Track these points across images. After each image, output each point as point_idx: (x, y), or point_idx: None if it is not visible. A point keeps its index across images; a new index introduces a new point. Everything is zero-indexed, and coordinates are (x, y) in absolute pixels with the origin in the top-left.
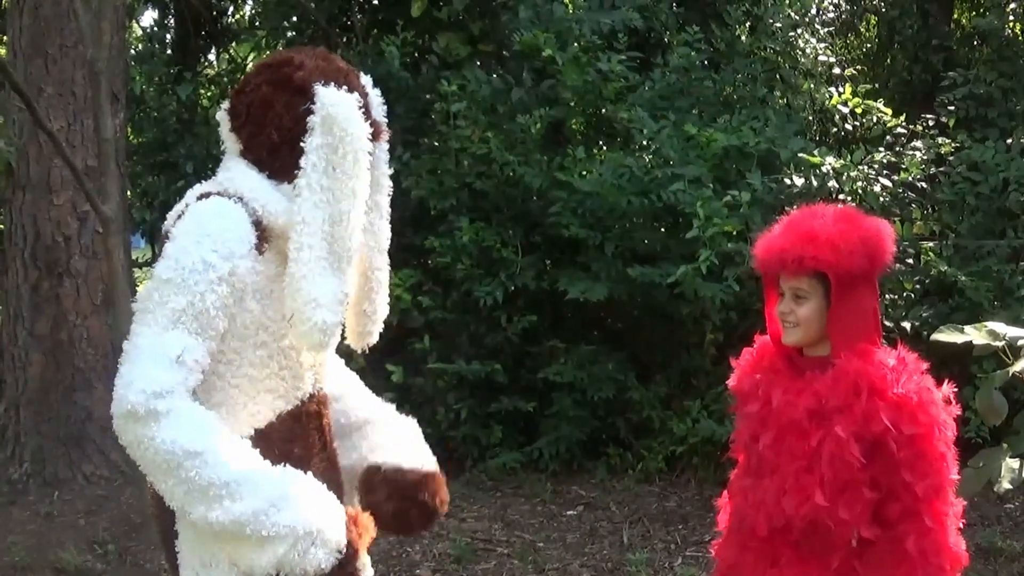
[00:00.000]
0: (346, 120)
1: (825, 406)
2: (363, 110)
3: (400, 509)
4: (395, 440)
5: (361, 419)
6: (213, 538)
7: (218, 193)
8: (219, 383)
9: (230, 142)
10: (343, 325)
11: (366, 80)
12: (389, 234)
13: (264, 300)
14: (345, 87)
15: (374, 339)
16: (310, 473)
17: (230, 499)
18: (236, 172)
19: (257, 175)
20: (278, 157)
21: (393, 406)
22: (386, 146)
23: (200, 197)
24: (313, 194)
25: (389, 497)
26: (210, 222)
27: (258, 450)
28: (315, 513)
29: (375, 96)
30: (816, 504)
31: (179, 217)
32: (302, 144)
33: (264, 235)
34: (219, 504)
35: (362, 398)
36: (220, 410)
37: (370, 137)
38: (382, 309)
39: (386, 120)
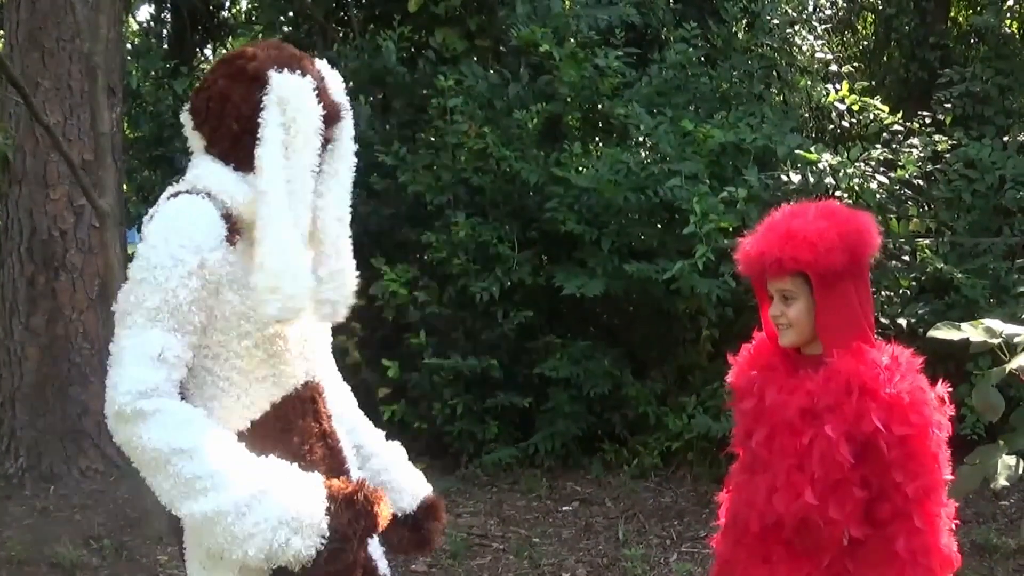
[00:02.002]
0: (298, 102)
1: (817, 405)
2: (318, 92)
3: (400, 536)
4: (404, 478)
5: (367, 455)
6: (203, 533)
7: (187, 191)
8: (209, 378)
9: (195, 140)
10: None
11: (322, 64)
12: (348, 204)
13: (242, 290)
14: (299, 71)
15: (342, 312)
16: (300, 464)
17: (215, 491)
18: (202, 168)
19: (223, 168)
20: (241, 147)
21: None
22: (349, 123)
23: (170, 197)
24: (271, 172)
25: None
26: (177, 219)
27: (256, 440)
28: (293, 501)
29: (333, 78)
30: (806, 502)
31: (151, 218)
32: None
33: (234, 226)
34: (204, 496)
35: (367, 431)
36: (214, 404)
37: (324, 118)
38: (344, 278)
39: (348, 101)
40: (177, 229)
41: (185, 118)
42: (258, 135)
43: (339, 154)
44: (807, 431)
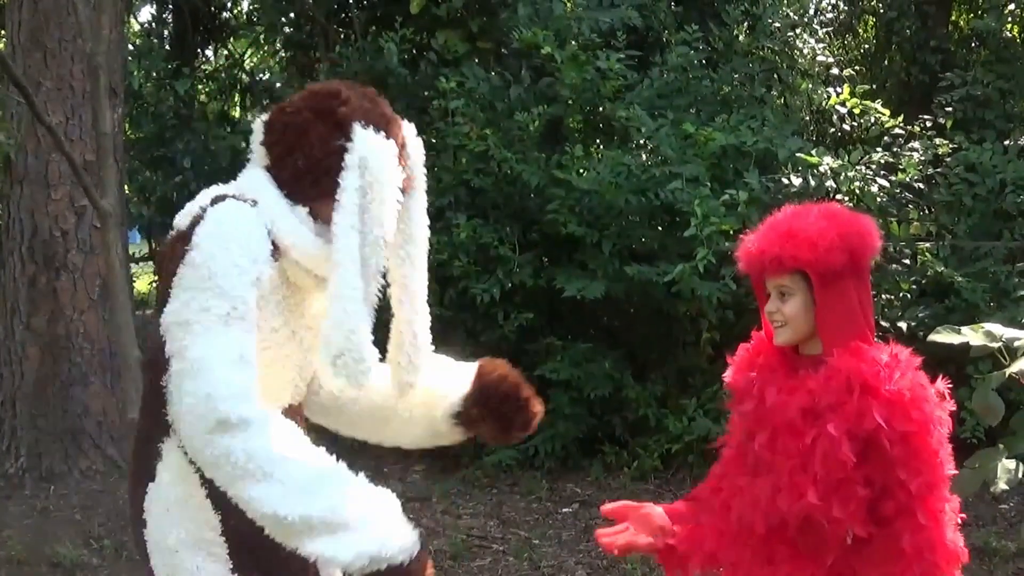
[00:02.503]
0: (379, 166)
1: (818, 404)
2: (399, 159)
3: (501, 424)
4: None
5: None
6: (305, 534)
7: (233, 196)
8: None
9: (259, 154)
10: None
11: (408, 129)
12: (426, 286)
13: (268, 307)
14: (383, 132)
15: (415, 389)
16: None
17: (326, 491)
18: (256, 181)
19: (276, 190)
20: (299, 184)
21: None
22: (422, 198)
23: (215, 200)
24: (348, 235)
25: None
26: (232, 225)
27: None
28: (391, 504)
29: (415, 145)
30: (809, 502)
31: (196, 221)
32: (326, 178)
33: (275, 243)
34: (317, 497)
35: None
36: None
37: (401, 188)
38: (422, 359)
39: (424, 171)
40: (235, 236)
41: (257, 127)
42: (337, 196)
43: (414, 222)
44: (809, 431)
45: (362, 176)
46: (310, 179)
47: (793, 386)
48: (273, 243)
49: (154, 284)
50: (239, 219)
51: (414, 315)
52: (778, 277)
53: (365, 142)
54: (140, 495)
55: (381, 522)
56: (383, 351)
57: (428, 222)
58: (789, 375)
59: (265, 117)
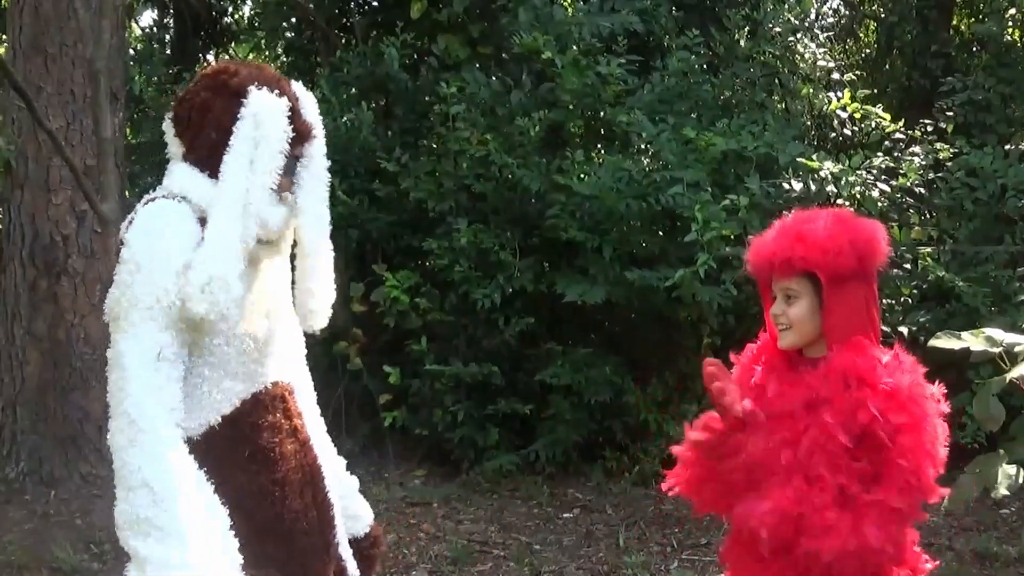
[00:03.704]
0: (271, 119)
1: (816, 397)
2: (291, 114)
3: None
4: (360, 506)
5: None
6: (132, 559)
7: (163, 196)
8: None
9: (174, 147)
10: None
11: (298, 86)
12: (326, 225)
13: None
14: (276, 91)
15: (320, 321)
16: (270, 456)
17: (157, 539)
18: (179, 175)
19: (198, 175)
20: (217, 156)
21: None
22: (321, 145)
23: (147, 203)
24: (233, 180)
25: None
26: (157, 221)
27: (226, 433)
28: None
29: (308, 100)
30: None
31: (130, 224)
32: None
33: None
34: (147, 539)
35: (333, 457)
36: (187, 399)
37: (292, 139)
38: (325, 290)
39: (319, 122)
40: (158, 231)
41: (167, 125)
42: (229, 144)
43: (313, 171)
44: (806, 423)
45: (256, 128)
46: (225, 148)
47: (792, 380)
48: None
49: None
50: (163, 214)
51: (321, 246)
52: (785, 280)
53: (258, 99)
54: None
55: None
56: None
57: (327, 171)
58: (790, 372)
59: (170, 113)
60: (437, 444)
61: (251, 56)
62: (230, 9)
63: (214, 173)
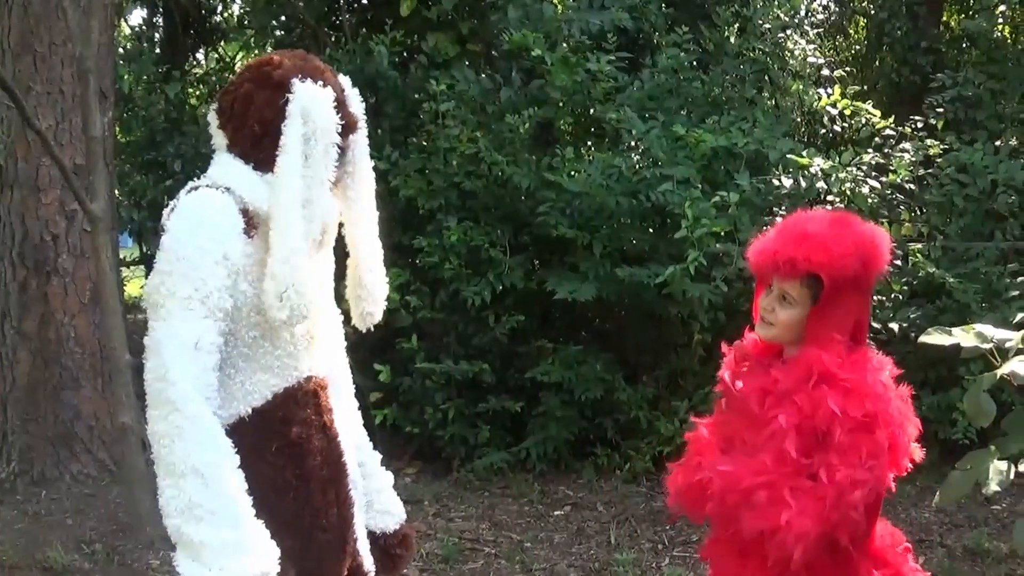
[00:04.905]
0: (319, 112)
1: (778, 389)
2: (337, 105)
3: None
4: (392, 503)
5: (366, 474)
6: (176, 542)
7: (207, 186)
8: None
9: (218, 138)
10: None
11: (344, 79)
12: (376, 220)
13: (255, 282)
14: (321, 82)
15: (376, 318)
16: (298, 452)
17: (203, 522)
18: (223, 165)
19: (243, 166)
20: (261, 148)
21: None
22: (364, 137)
23: (190, 191)
24: (290, 179)
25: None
26: (200, 211)
27: (256, 426)
28: (257, 564)
29: (352, 92)
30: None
31: (172, 211)
32: (282, 134)
33: (251, 221)
34: (191, 521)
35: (368, 452)
36: (219, 390)
37: (341, 130)
38: (379, 289)
39: (364, 115)
40: (201, 220)
41: (211, 116)
42: (280, 142)
43: (362, 162)
44: (766, 416)
45: (304, 123)
46: (269, 141)
47: (760, 372)
48: (251, 219)
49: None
50: (206, 203)
51: (367, 251)
52: (787, 282)
53: (304, 92)
54: None
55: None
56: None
57: (372, 163)
58: (762, 365)
59: (215, 105)
60: (428, 442)
61: (240, 54)
62: (219, 7)
63: (258, 165)
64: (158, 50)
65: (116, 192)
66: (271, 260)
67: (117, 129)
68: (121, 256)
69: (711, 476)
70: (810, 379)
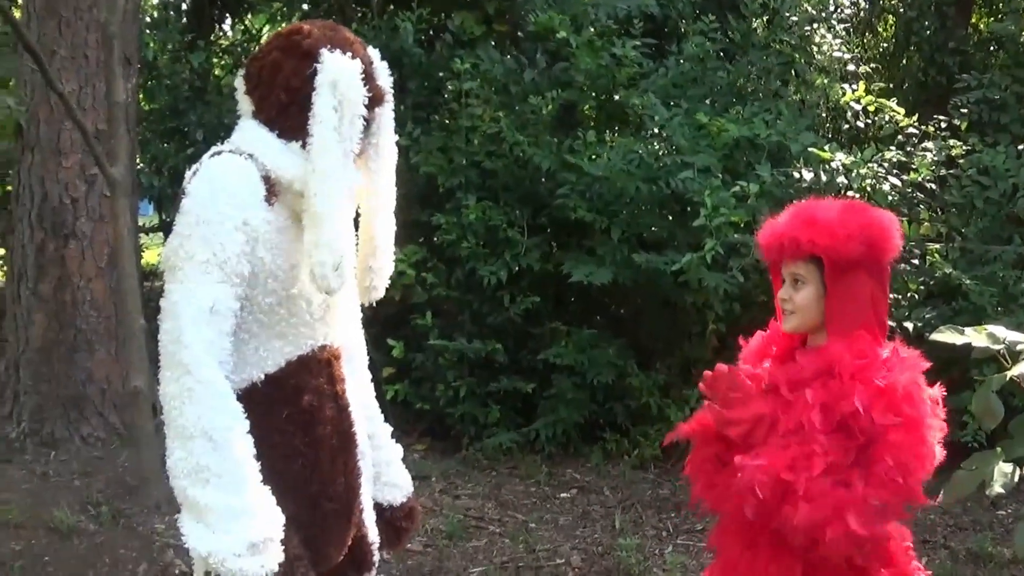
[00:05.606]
0: (348, 83)
1: (800, 378)
2: (365, 77)
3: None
4: (400, 476)
5: (376, 446)
6: (181, 503)
7: (230, 151)
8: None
9: (244, 104)
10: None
11: (372, 51)
12: (393, 195)
13: (274, 250)
14: (349, 54)
15: (379, 294)
16: (309, 420)
17: (211, 484)
18: (247, 132)
19: (267, 134)
20: (287, 116)
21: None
22: (390, 110)
23: (212, 155)
24: (325, 148)
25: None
26: (222, 176)
27: (268, 392)
28: (259, 529)
29: (380, 64)
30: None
31: (194, 175)
32: (309, 104)
33: (272, 188)
34: (199, 483)
35: (379, 423)
36: (233, 354)
37: (367, 102)
38: (387, 266)
39: (391, 88)
40: (223, 185)
41: (238, 82)
42: (308, 113)
43: (383, 137)
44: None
45: (333, 94)
46: (295, 109)
47: (784, 363)
48: (273, 186)
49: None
50: (228, 169)
51: (381, 225)
52: (794, 263)
53: (333, 63)
54: None
55: (234, 540)
56: None
57: (395, 137)
58: (787, 355)
59: (242, 71)
60: (438, 419)
61: (266, 27)
62: None
63: (283, 133)
64: (184, 19)
65: (137, 159)
66: (319, 230)
67: (140, 96)
68: (142, 223)
69: (745, 468)
70: (836, 374)
